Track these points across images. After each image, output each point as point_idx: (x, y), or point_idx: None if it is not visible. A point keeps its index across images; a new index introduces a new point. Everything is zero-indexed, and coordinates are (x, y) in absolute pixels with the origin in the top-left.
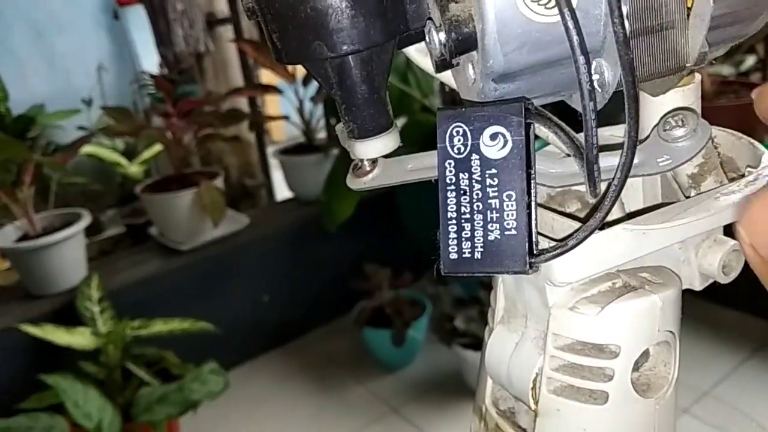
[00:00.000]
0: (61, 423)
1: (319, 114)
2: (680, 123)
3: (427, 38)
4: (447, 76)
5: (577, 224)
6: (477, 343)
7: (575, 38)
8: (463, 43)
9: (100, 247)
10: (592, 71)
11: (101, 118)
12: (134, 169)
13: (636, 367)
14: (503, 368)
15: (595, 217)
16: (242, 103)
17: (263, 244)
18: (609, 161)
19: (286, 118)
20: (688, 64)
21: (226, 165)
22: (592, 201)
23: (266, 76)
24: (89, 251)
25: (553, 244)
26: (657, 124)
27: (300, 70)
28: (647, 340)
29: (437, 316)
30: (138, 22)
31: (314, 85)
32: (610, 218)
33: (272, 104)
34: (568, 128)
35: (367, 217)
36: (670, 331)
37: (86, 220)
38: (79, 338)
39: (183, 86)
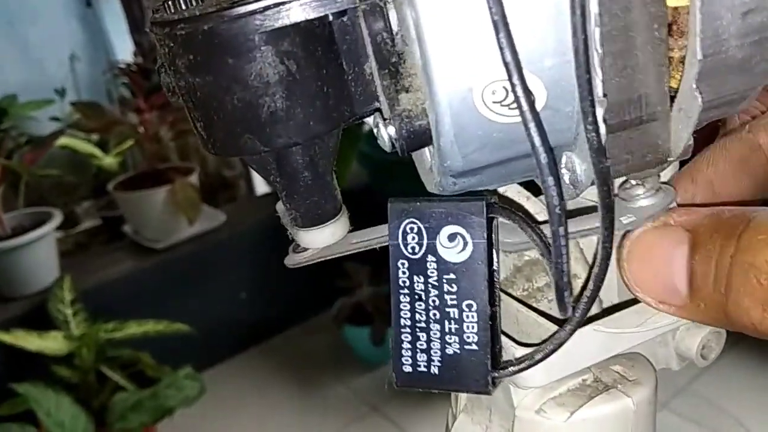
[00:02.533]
0: None
1: None
2: (640, 182)
3: (375, 131)
4: None
5: (544, 322)
6: None
7: (542, 156)
8: (416, 139)
9: (75, 240)
10: (563, 166)
11: (73, 110)
12: (109, 160)
13: None
14: None
15: (565, 329)
16: None
17: (240, 241)
18: (582, 224)
19: None
20: (670, 159)
21: (204, 155)
22: (560, 315)
23: None
24: (64, 245)
25: (516, 353)
26: (618, 186)
27: None
28: None
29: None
30: (111, 10)
31: None
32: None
33: None
34: (538, 229)
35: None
36: None
37: (57, 219)
38: (51, 343)
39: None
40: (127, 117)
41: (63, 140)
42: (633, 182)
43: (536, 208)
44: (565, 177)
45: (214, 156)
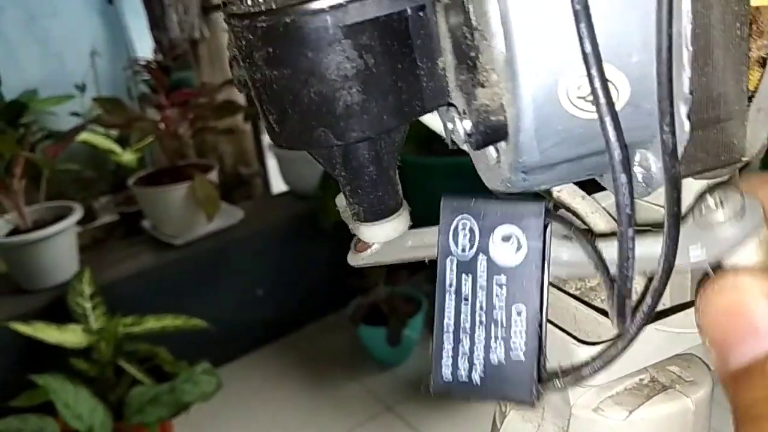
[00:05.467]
0: (52, 424)
1: None
2: (720, 203)
3: (448, 126)
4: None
5: (604, 320)
6: None
7: (616, 153)
8: (492, 135)
9: (93, 235)
10: (636, 163)
11: (94, 105)
12: (128, 156)
13: None
14: None
15: (616, 346)
16: (236, 93)
17: (258, 238)
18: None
19: None
20: (744, 159)
21: (221, 153)
22: (615, 330)
23: None
24: (82, 239)
25: (577, 351)
26: (693, 204)
27: None
28: None
29: (432, 313)
30: (132, 7)
31: None
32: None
33: None
34: (593, 242)
35: None
36: None
37: (78, 213)
38: (70, 336)
39: (177, 72)
40: (147, 113)
41: (82, 136)
42: (711, 202)
43: (591, 207)
44: (638, 175)
45: (232, 154)
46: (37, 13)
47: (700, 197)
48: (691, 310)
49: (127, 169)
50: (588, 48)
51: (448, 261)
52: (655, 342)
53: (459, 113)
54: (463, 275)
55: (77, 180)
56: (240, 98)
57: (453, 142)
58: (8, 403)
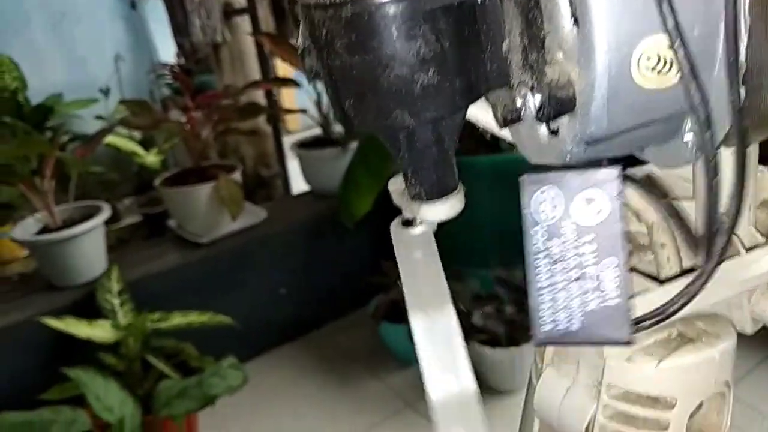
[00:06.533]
0: (83, 416)
1: None
2: None
3: (518, 101)
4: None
5: (637, 278)
6: (494, 340)
7: (702, 112)
8: (561, 107)
9: (117, 236)
10: (688, 130)
11: (118, 108)
12: (151, 158)
13: (689, 415)
14: (554, 412)
15: (695, 283)
16: (258, 95)
17: (280, 237)
18: None
19: (303, 111)
20: None
21: (242, 155)
22: (695, 262)
23: (281, 65)
24: (107, 240)
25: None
26: None
27: None
28: (704, 392)
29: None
30: (155, 12)
31: None
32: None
33: (287, 95)
34: (660, 194)
35: (385, 213)
36: (726, 382)
37: (106, 212)
38: (99, 331)
39: (199, 76)
40: (170, 116)
41: (107, 138)
42: None
43: None
44: (688, 141)
45: (253, 156)
46: (63, 19)
47: None
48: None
49: (151, 170)
50: (671, 23)
51: (533, 231)
52: None
53: (530, 89)
54: (552, 240)
55: (102, 182)
56: (261, 98)
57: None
58: (39, 396)
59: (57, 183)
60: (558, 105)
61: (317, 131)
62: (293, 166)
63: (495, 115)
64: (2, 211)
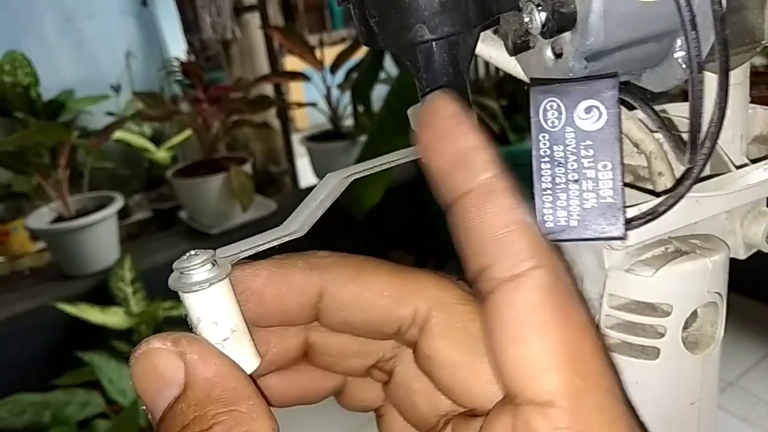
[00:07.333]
0: (97, 398)
1: (346, 101)
2: None
3: (526, 18)
4: (502, 60)
5: (635, 192)
6: None
7: (687, 17)
8: (564, 22)
9: (127, 231)
10: (678, 47)
11: (129, 104)
12: (162, 154)
13: (685, 326)
14: None
15: (684, 184)
16: (268, 90)
17: None
18: None
19: (313, 105)
20: (764, 42)
21: (252, 151)
22: (682, 167)
23: (290, 63)
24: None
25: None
26: None
27: (329, 58)
28: (697, 300)
29: None
30: (166, 9)
31: (342, 72)
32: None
33: (296, 91)
34: (652, 107)
35: (393, 205)
36: (718, 293)
37: (119, 203)
38: (113, 317)
39: (209, 73)
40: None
41: (118, 134)
42: None
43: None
44: (679, 57)
45: (262, 153)
46: (74, 16)
47: None
48: (712, 180)
49: (161, 166)
50: None
51: (540, 137)
52: (679, 208)
53: (536, 6)
54: (555, 146)
55: (112, 177)
56: (270, 93)
57: (515, 48)
58: (54, 381)
59: (69, 178)
60: (561, 19)
61: (326, 128)
62: (302, 164)
63: (506, 45)
64: (16, 201)
